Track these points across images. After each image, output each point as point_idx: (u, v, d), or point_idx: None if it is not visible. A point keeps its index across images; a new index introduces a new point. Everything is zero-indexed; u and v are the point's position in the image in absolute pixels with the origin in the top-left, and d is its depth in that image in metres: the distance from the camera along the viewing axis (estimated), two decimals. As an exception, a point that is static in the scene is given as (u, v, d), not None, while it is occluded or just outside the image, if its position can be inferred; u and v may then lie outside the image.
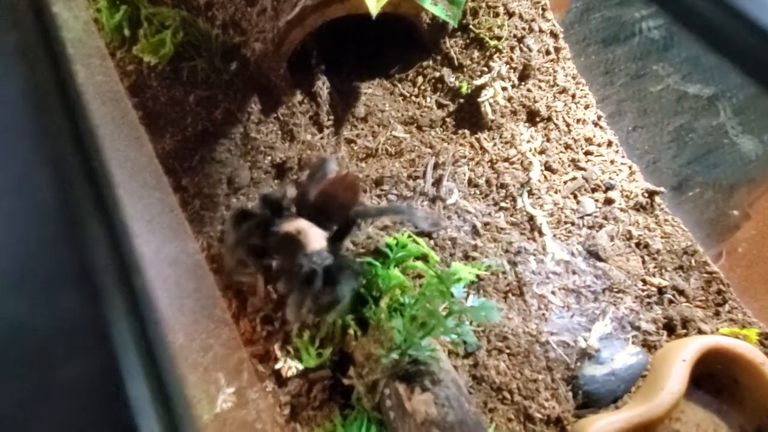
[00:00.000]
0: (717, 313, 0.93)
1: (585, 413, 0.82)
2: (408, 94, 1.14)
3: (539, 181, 1.04)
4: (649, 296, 0.94)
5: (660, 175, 1.08)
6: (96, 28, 1.01)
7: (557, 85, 1.13)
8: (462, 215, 0.99)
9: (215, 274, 0.89)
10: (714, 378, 0.84)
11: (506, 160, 1.06)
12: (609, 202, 1.03)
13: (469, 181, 1.04)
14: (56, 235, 0.21)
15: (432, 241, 0.95)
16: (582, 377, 0.83)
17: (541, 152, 1.08)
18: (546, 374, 0.84)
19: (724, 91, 1.09)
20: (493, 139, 1.09)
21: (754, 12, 0.24)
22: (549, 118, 1.11)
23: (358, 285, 0.77)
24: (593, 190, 1.05)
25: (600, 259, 0.96)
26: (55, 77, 0.30)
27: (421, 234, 0.94)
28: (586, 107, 1.14)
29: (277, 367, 0.80)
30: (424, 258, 0.90)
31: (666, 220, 1.02)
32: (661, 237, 1.00)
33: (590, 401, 0.83)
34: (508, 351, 0.85)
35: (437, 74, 1.14)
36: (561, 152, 1.09)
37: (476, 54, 1.12)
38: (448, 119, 1.11)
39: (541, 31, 1.15)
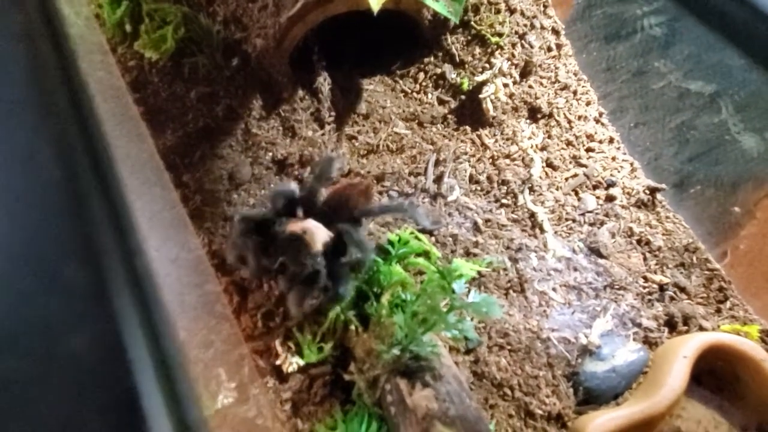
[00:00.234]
0: (718, 310, 0.93)
1: (586, 409, 0.82)
2: (409, 91, 1.14)
3: (540, 177, 1.04)
4: (650, 293, 0.94)
5: (661, 172, 1.08)
6: (97, 24, 1.00)
7: (559, 82, 1.13)
8: (463, 212, 0.99)
9: (216, 270, 0.89)
10: (715, 375, 0.84)
11: (507, 156, 1.06)
12: (610, 199, 1.03)
13: (470, 177, 1.04)
14: (60, 212, 0.21)
15: (433, 238, 0.95)
16: (583, 374, 0.83)
17: (543, 149, 1.08)
18: (547, 370, 0.84)
19: (726, 88, 1.08)
20: (495, 135, 1.09)
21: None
22: (550, 115, 1.10)
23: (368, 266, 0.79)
24: (594, 187, 1.05)
25: (601, 256, 0.96)
26: (58, 65, 0.30)
27: (423, 231, 0.94)
28: (588, 104, 1.14)
29: (278, 362, 0.80)
30: (425, 254, 0.90)
31: (667, 217, 1.02)
32: (663, 234, 1.00)
33: (591, 398, 0.83)
34: (509, 347, 0.85)
35: (439, 71, 1.13)
36: (562, 149, 1.09)
37: (478, 50, 1.12)
38: (449, 116, 1.11)
39: (542, 27, 1.14)
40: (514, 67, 1.11)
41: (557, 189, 1.04)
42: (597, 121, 1.13)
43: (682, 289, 0.94)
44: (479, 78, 1.09)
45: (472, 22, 1.12)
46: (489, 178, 1.03)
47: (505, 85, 1.10)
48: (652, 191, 1.03)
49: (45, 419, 0.18)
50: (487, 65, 1.11)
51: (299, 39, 1.00)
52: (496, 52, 1.11)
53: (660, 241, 0.99)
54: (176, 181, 0.96)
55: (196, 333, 0.75)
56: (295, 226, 0.78)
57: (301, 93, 1.06)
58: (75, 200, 0.23)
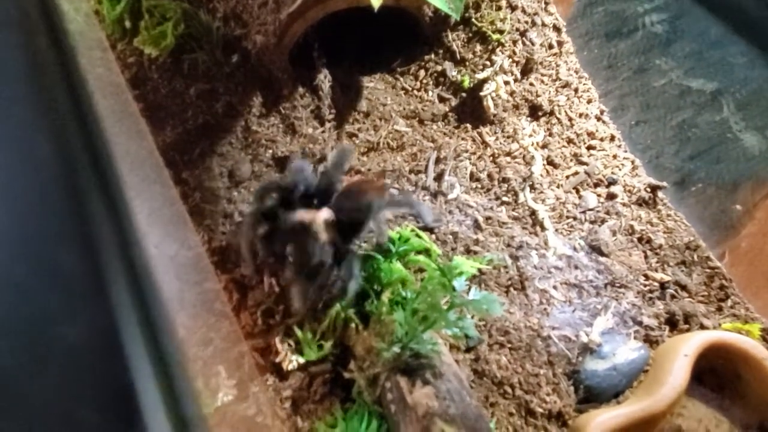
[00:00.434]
0: (719, 309, 0.93)
1: (586, 408, 0.82)
2: (410, 88, 1.14)
3: (541, 175, 1.04)
4: (651, 291, 0.93)
5: (663, 170, 1.07)
6: (97, 20, 1.00)
7: (560, 80, 1.13)
8: (464, 210, 0.98)
9: (216, 268, 0.88)
10: (716, 373, 0.83)
11: (508, 154, 1.06)
12: (611, 196, 1.03)
13: (471, 175, 1.03)
14: (58, 206, 0.21)
15: (434, 236, 0.94)
16: (583, 372, 0.83)
17: (544, 147, 1.08)
18: (547, 369, 0.83)
19: (727, 86, 1.08)
20: (495, 133, 1.09)
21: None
22: (551, 113, 1.10)
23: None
24: (596, 185, 1.05)
25: (602, 254, 0.96)
26: (57, 61, 0.30)
27: (424, 228, 0.94)
28: (589, 101, 1.13)
29: (277, 360, 0.80)
30: (426, 252, 0.90)
31: (668, 216, 1.02)
32: (664, 232, 1.00)
33: (592, 396, 0.83)
34: (509, 345, 0.84)
35: (439, 68, 1.13)
36: (563, 147, 1.08)
37: (478, 48, 1.12)
38: (450, 113, 1.11)
39: (543, 24, 1.14)
40: (515, 64, 1.11)
41: (558, 187, 1.03)
42: (598, 118, 1.12)
43: (683, 288, 0.94)
44: (480, 75, 1.09)
45: (473, 19, 1.11)
46: (490, 176, 1.03)
47: (506, 83, 1.10)
48: (653, 189, 1.03)
49: (40, 411, 0.18)
50: (487, 62, 1.11)
51: (299, 36, 1.00)
52: (497, 50, 1.11)
53: (661, 239, 0.98)
54: (176, 178, 0.96)
55: (195, 331, 0.75)
56: (304, 215, 0.78)
57: (301, 90, 1.05)
58: (73, 195, 0.23)
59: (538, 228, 0.98)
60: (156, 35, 0.98)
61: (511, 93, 1.10)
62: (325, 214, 0.78)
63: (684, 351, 0.79)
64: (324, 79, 1.06)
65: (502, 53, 1.10)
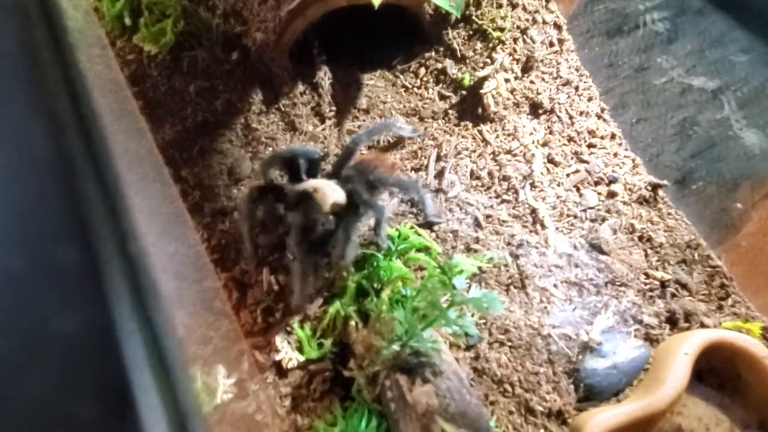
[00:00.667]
0: (720, 307, 0.93)
1: (586, 406, 0.82)
2: (410, 86, 1.13)
3: (542, 173, 1.03)
4: (651, 290, 0.93)
5: (663, 169, 1.07)
6: (96, 17, 1.00)
7: (560, 77, 1.13)
8: (464, 207, 0.98)
9: (216, 266, 0.88)
10: (716, 372, 0.83)
11: (509, 152, 1.06)
12: (612, 195, 1.02)
13: (472, 173, 1.03)
14: (55, 201, 0.21)
15: (434, 234, 0.94)
16: (584, 370, 0.83)
17: (544, 144, 1.07)
18: (547, 367, 0.83)
19: (728, 84, 1.08)
20: (496, 131, 1.08)
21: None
22: (552, 111, 1.10)
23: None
24: (596, 183, 1.04)
25: (602, 252, 0.95)
26: (56, 59, 0.30)
27: (423, 226, 0.94)
28: (590, 99, 1.13)
29: (277, 358, 0.80)
30: (426, 250, 0.90)
31: (669, 214, 1.02)
32: (664, 230, 1.00)
33: (592, 394, 0.82)
34: (509, 344, 0.84)
35: (440, 66, 1.13)
36: (564, 145, 1.08)
37: (479, 45, 1.12)
38: (450, 111, 1.11)
39: (544, 22, 1.14)
40: (515, 62, 1.11)
41: (558, 185, 1.03)
42: (599, 117, 1.12)
43: (684, 286, 0.94)
44: (480, 73, 1.09)
45: (474, 17, 1.11)
46: (490, 174, 1.03)
47: (507, 81, 1.09)
48: (654, 188, 1.03)
49: (35, 408, 0.18)
50: (488, 60, 1.10)
51: (299, 33, 1.00)
52: (498, 47, 1.11)
53: (661, 237, 0.98)
54: (175, 176, 0.96)
55: (195, 329, 0.74)
56: (306, 184, 0.79)
57: (301, 88, 1.05)
58: (71, 192, 0.23)
59: (538, 226, 0.98)
60: (155, 32, 0.98)
61: (512, 91, 1.10)
62: (323, 182, 0.79)
63: (684, 350, 0.79)
64: (324, 77, 1.06)
65: (503, 51, 1.10)
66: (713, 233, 1.01)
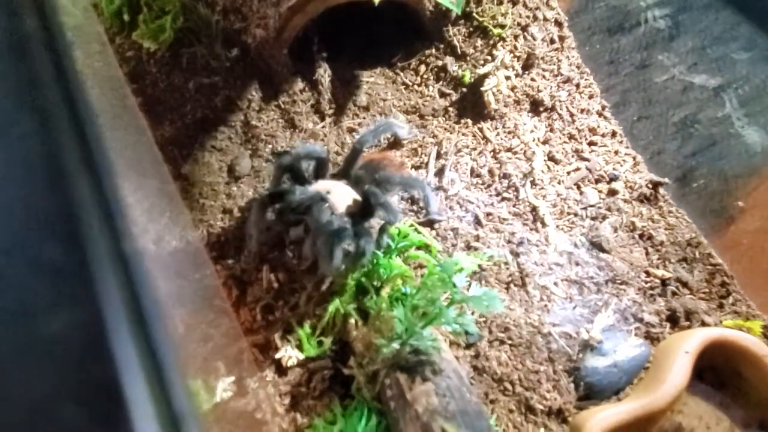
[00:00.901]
0: (721, 306, 0.93)
1: (587, 405, 0.81)
2: (410, 83, 1.13)
3: (542, 171, 1.03)
4: (652, 288, 0.93)
5: (664, 167, 1.07)
6: (95, 14, 0.99)
7: (561, 75, 1.12)
8: (464, 205, 0.98)
9: (215, 263, 0.88)
10: (717, 370, 0.83)
11: (509, 150, 1.05)
12: (613, 193, 1.02)
13: (472, 171, 1.03)
14: (40, 187, 0.21)
15: (434, 231, 0.94)
16: (584, 369, 0.83)
17: (545, 142, 1.07)
18: (548, 365, 0.83)
19: (730, 82, 1.08)
20: (496, 128, 1.08)
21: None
22: (552, 108, 1.09)
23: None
24: (597, 181, 1.04)
25: (603, 250, 0.95)
26: (53, 57, 0.29)
27: (423, 224, 0.94)
28: (591, 97, 1.13)
29: (277, 356, 0.80)
30: (426, 248, 0.89)
31: (670, 212, 1.01)
32: (665, 228, 0.99)
33: (592, 393, 0.82)
34: (509, 342, 0.84)
35: (440, 63, 1.12)
36: (564, 142, 1.08)
37: (479, 42, 1.11)
38: (450, 108, 1.10)
39: (545, 19, 1.13)
40: (516, 59, 1.10)
41: (559, 183, 1.03)
42: (600, 114, 1.12)
43: (685, 284, 0.94)
44: (481, 70, 1.08)
45: (474, 14, 1.10)
46: (490, 172, 1.03)
47: (507, 78, 1.09)
48: (655, 185, 1.02)
49: (15, 402, 0.18)
50: (489, 57, 1.10)
51: (299, 30, 0.99)
52: (498, 44, 1.10)
53: (662, 235, 0.98)
54: (175, 174, 0.95)
55: (194, 327, 0.74)
56: (318, 186, 0.79)
57: (301, 85, 1.05)
58: (68, 189, 0.23)
59: (538, 224, 0.97)
60: (155, 29, 0.97)
61: (512, 88, 1.09)
62: (337, 185, 0.79)
63: (685, 348, 0.79)
64: (324, 74, 1.06)
65: (503, 48, 1.10)
66: (714, 231, 1.01)
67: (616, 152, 1.07)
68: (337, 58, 1.10)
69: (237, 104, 1.01)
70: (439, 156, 1.04)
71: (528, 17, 1.12)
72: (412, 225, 0.90)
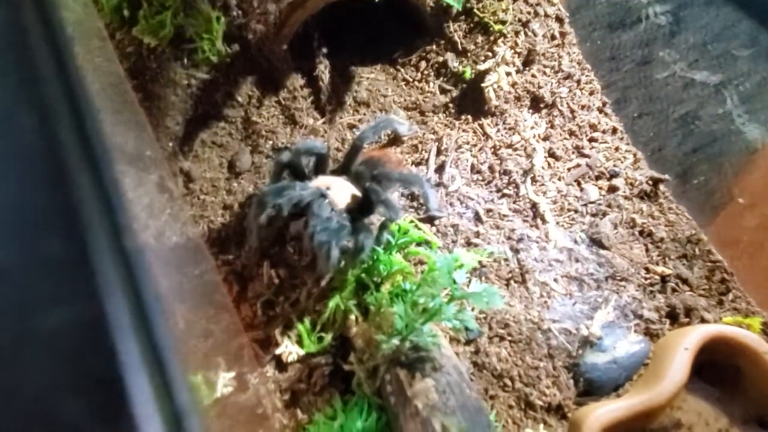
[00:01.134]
0: (720, 302, 0.93)
1: (586, 401, 0.82)
2: (411, 79, 1.13)
3: (543, 167, 1.03)
4: (652, 284, 0.93)
5: (665, 163, 1.07)
6: (95, 9, 0.99)
7: (562, 71, 1.12)
8: (464, 202, 0.98)
9: (216, 259, 0.88)
10: (716, 367, 0.83)
11: (509, 146, 1.05)
12: (613, 189, 1.02)
13: (472, 167, 1.03)
14: (40, 181, 0.21)
15: (434, 228, 0.94)
16: (584, 365, 0.83)
17: (545, 139, 1.07)
18: (547, 361, 0.83)
19: (731, 79, 1.07)
20: (497, 125, 1.08)
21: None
22: (553, 104, 1.09)
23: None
24: (597, 178, 1.04)
25: (603, 246, 0.95)
26: (52, 52, 0.29)
27: (424, 220, 0.94)
28: (591, 93, 1.12)
29: (277, 352, 0.80)
30: (426, 244, 0.90)
31: (670, 209, 1.01)
32: (665, 225, 0.99)
33: (592, 389, 0.83)
34: (509, 338, 0.84)
35: (440, 59, 1.12)
36: (565, 139, 1.07)
37: (480, 38, 1.11)
38: (451, 105, 1.10)
39: (546, 15, 1.13)
40: (517, 55, 1.10)
41: (559, 179, 1.03)
42: (600, 111, 1.11)
43: (684, 281, 0.94)
44: (481, 66, 1.08)
45: (475, 10, 1.10)
46: (491, 168, 1.03)
47: (508, 74, 1.09)
48: (655, 182, 1.02)
49: (16, 396, 0.18)
50: (489, 54, 1.10)
51: (299, 25, 0.99)
52: (499, 41, 1.10)
53: (662, 232, 0.98)
54: (175, 169, 0.95)
55: (195, 322, 0.74)
56: (318, 182, 0.79)
57: (301, 80, 1.05)
58: (67, 187, 0.23)
59: (539, 220, 0.97)
60: (155, 24, 0.97)
61: (513, 84, 1.09)
62: (337, 181, 0.79)
63: (684, 344, 0.79)
64: (324, 70, 1.05)
65: (504, 44, 1.09)
66: (714, 228, 1.01)
67: (617, 149, 1.07)
68: (338, 54, 1.09)
69: (237, 100, 1.00)
70: (439, 152, 1.03)
71: (529, 13, 1.12)
72: (412, 221, 0.91)
